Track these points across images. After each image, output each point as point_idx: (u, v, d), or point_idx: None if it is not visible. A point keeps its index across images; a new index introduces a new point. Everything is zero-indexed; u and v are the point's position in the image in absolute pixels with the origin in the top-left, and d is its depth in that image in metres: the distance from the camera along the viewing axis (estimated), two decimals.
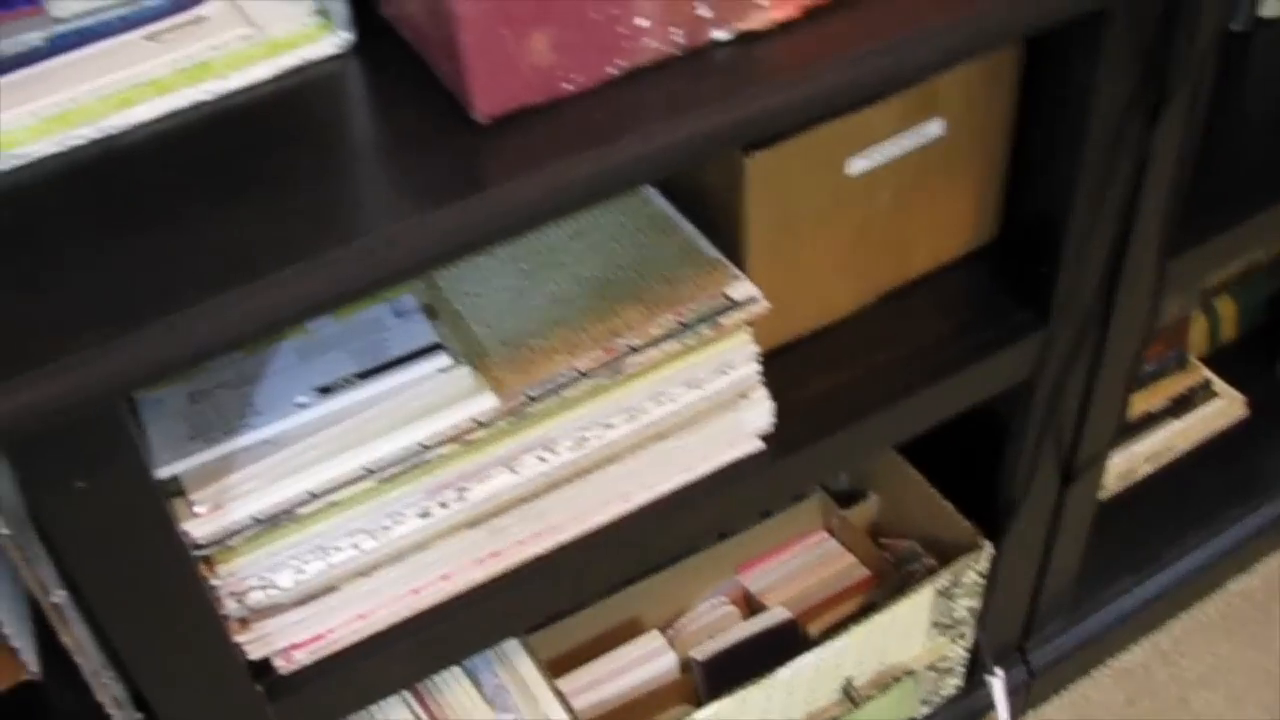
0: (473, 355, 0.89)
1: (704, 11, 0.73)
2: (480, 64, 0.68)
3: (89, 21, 0.81)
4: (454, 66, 0.69)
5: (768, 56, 0.75)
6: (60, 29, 0.80)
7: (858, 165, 0.99)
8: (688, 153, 0.72)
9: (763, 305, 0.93)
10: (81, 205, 0.71)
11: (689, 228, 0.97)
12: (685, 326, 0.91)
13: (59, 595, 0.82)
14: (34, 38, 0.79)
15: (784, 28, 0.76)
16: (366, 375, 0.86)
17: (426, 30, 0.71)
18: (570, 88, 0.71)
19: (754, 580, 1.35)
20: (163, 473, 0.81)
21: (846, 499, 1.36)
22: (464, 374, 0.87)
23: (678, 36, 0.73)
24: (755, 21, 0.75)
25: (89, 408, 0.65)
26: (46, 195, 0.72)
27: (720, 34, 0.74)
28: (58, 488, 0.71)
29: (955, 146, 1.03)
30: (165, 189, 0.72)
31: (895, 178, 1.02)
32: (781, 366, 1.03)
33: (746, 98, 0.73)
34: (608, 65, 0.72)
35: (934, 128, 1.01)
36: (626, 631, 1.28)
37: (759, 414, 1.00)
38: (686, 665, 1.28)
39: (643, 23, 0.71)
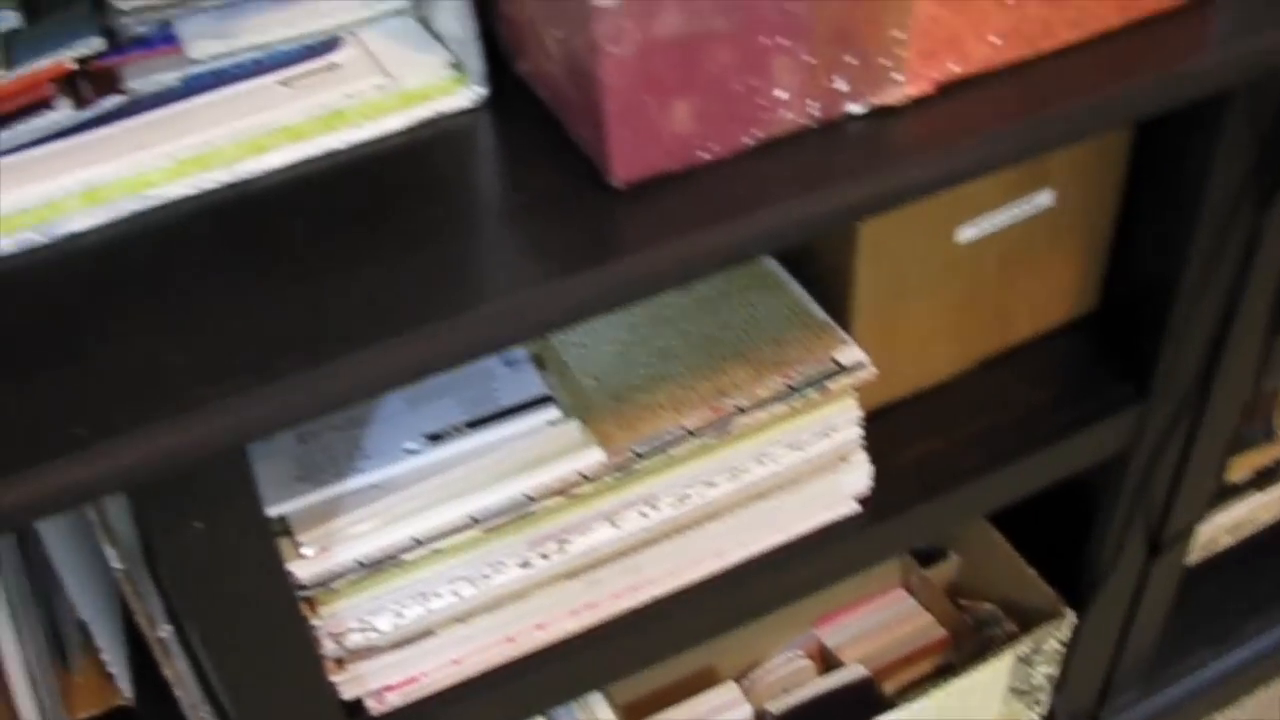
0: (580, 408, 0.89)
1: (841, 85, 0.73)
2: (622, 131, 0.68)
3: (224, 63, 0.81)
4: (593, 131, 0.69)
5: (900, 132, 0.75)
6: (195, 70, 0.81)
7: (967, 233, 0.99)
8: (819, 226, 0.72)
9: (870, 371, 0.93)
10: (216, 251, 0.72)
11: (797, 288, 0.97)
12: (793, 390, 0.91)
13: (165, 630, 0.82)
14: (170, 78, 0.80)
15: (917, 103, 0.76)
16: (476, 424, 0.86)
17: (565, 92, 0.71)
18: (706, 156, 0.72)
19: (830, 635, 1.35)
20: (271, 512, 0.81)
21: (926, 557, 1.36)
22: (573, 428, 0.87)
23: (814, 109, 0.73)
24: (890, 96, 0.75)
25: (217, 457, 0.65)
26: (181, 238, 0.73)
27: (855, 107, 0.74)
28: (176, 528, 0.72)
29: (1063, 216, 1.03)
30: (299, 238, 0.72)
31: (1002, 246, 1.02)
32: (879, 429, 1.02)
33: (879, 174, 0.73)
34: (744, 135, 0.72)
35: (1044, 198, 1.01)
36: (701, 680, 1.28)
37: (857, 477, 1.00)
38: (761, 718, 1.27)
39: (782, 95, 0.71)
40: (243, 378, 0.65)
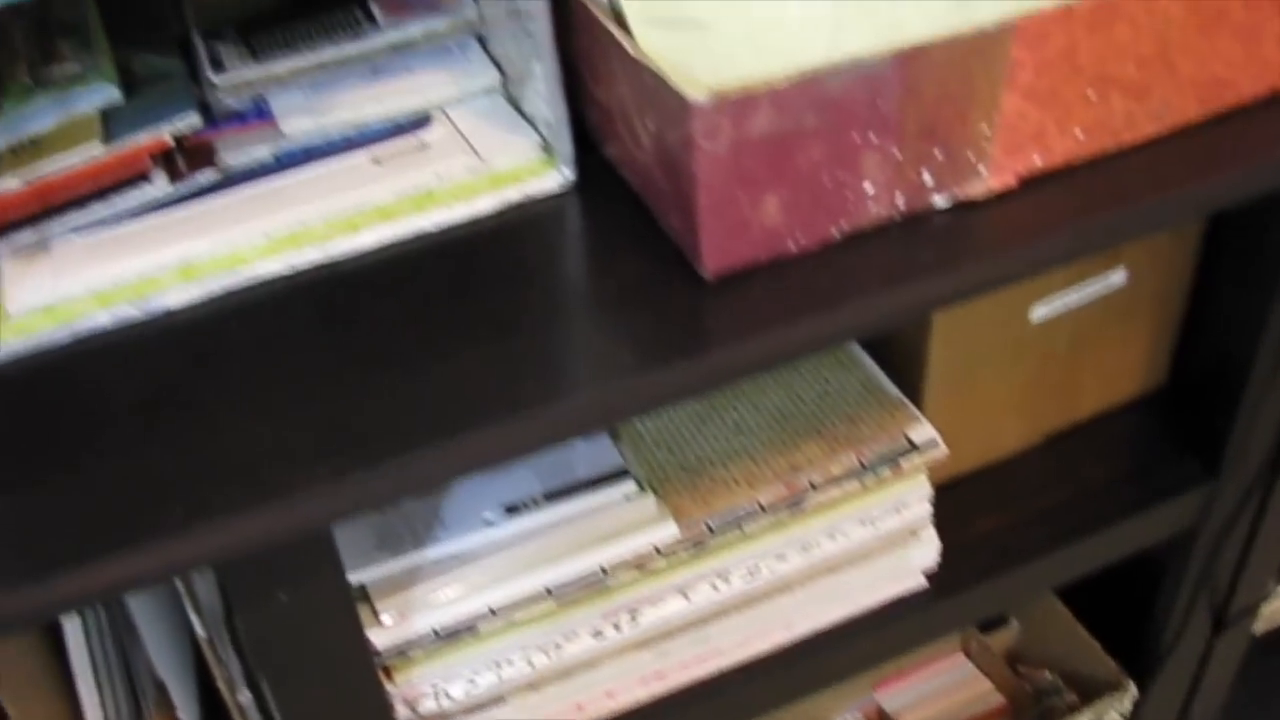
0: (655, 480, 0.90)
1: (926, 179, 0.74)
2: (713, 224, 0.69)
3: (316, 139, 0.83)
4: (684, 222, 0.71)
5: (983, 224, 0.76)
6: (287, 145, 0.82)
7: (1040, 312, 1.00)
8: (902, 319, 0.73)
9: (941, 451, 0.94)
10: (308, 331, 0.74)
11: (870, 364, 0.98)
12: (865, 467, 0.92)
13: (244, 695, 0.83)
14: (263, 152, 0.82)
15: (999, 195, 0.76)
16: (553, 496, 0.87)
17: (656, 181, 0.73)
18: (794, 248, 0.73)
19: (889, 699, 1.35)
20: (352, 580, 0.82)
21: (986, 623, 1.36)
22: (648, 502, 0.88)
23: (899, 202, 0.74)
24: (974, 190, 0.76)
25: (307, 537, 0.67)
26: (274, 316, 0.75)
27: (939, 200, 0.75)
28: (260, 599, 0.73)
29: (1135, 294, 1.03)
30: (389, 321, 0.74)
31: (1074, 323, 1.02)
32: (946, 502, 1.03)
33: (962, 268, 0.74)
34: (831, 227, 0.73)
35: (1116, 277, 1.02)
36: None
37: (926, 552, 1.01)
38: None
39: (869, 189, 0.72)
40: (334, 462, 0.66)
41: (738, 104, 0.66)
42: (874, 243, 0.75)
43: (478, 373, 0.70)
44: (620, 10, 0.72)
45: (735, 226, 0.70)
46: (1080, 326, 1.03)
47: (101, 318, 0.74)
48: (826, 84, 0.68)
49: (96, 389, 0.72)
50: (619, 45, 0.71)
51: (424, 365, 0.71)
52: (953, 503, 1.05)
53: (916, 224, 0.76)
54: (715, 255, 0.71)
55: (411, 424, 0.68)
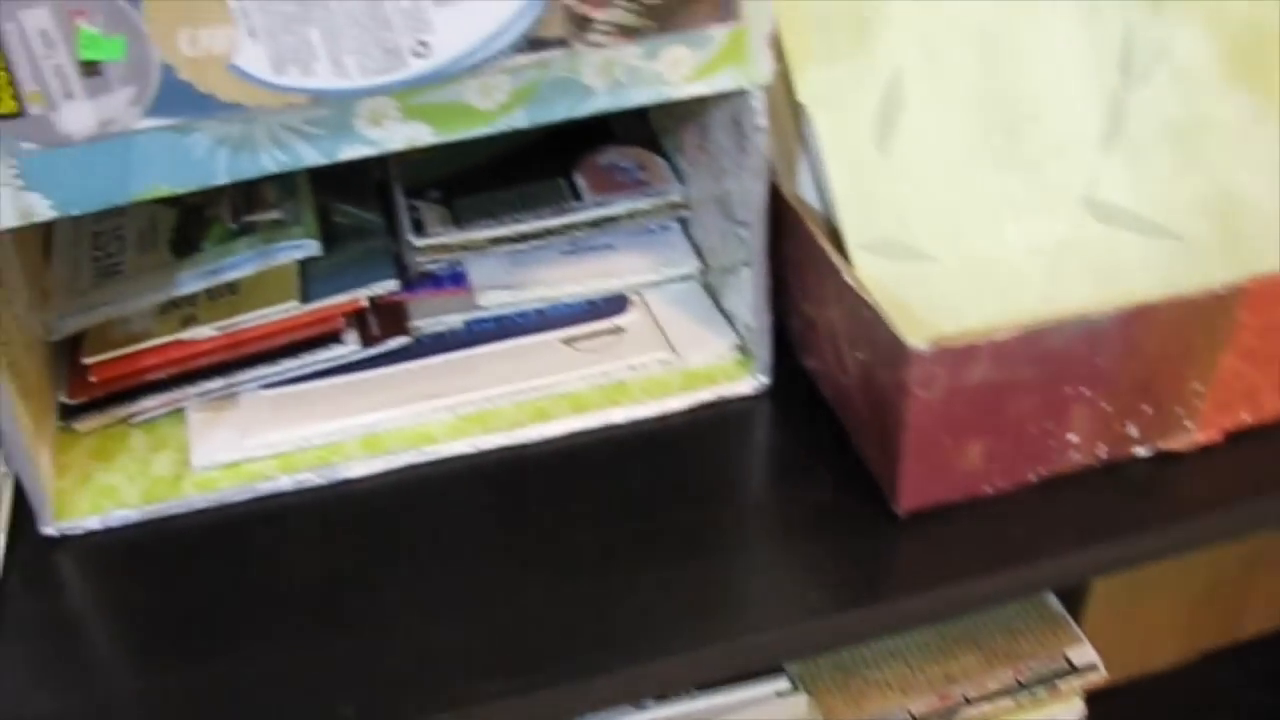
0: (807, 675, 0.88)
1: (1132, 431, 0.72)
2: (914, 466, 0.68)
3: (509, 312, 0.82)
4: (883, 457, 0.70)
5: (1184, 479, 0.74)
6: (480, 315, 0.81)
7: None
8: (1098, 573, 0.70)
9: (1100, 676, 0.91)
10: (488, 522, 0.74)
11: None
12: (1022, 686, 0.90)
13: None
14: (455, 320, 0.82)
15: (1203, 450, 0.74)
16: (705, 686, 0.85)
17: (857, 409, 0.72)
18: (989, 490, 0.71)
19: None
20: None
21: None
22: (799, 701, 0.87)
23: (1101, 451, 0.72)
24: (1178, 443, 0.74)
25: None
26: (454, 501, 0.75)
27: (1141, 451, 0.73)
28: None
29: None
30: (571, 522, 0.73)
31: (1249, 548, 0.99)
32: (1094, 711, 0.99)
33: (1162, 527, 0.71)
34: (1030, 472, 0.71)
35: None
36: None
37: None
38: None
39: (1073, 438, 0.71)
40: (510, 680, 0.65)
41: (958, 354, 0.65)
42: (1070, 488, 0.73)
43: (662, 594, 0.69)
44: (840, 229, 0.71)
45: (935, 469, 0.69)
46: (1252, 548, 0.99)
47: (284, 482, 0.74)
48: (1049, 338, 0.66)
49: (272, 559, 0.72)
50: (835, 270, 0.70)
51: (606, 578, 0.70)
52: (1101, 713, 1.01)
53: (1115, 472, 0.74)
54: (911, 495, 0.69)
55: (589, 646, 0.67)
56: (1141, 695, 1.04)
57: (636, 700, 0.68)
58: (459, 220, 0.83)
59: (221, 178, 0.63)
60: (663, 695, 0.86)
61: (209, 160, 0.63)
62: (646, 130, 0.89)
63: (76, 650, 0.68)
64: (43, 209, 0.61)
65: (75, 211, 0.61)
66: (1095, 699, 1.00)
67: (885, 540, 0.72)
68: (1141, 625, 0.98)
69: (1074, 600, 0.96)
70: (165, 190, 0.62)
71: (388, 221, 0.85)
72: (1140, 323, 0.68)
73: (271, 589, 0.70)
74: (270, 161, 0.63)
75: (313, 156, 0.63)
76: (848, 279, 0.69)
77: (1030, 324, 0.65)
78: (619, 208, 0.84)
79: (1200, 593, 0.99)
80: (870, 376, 0.69)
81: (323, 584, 0.70)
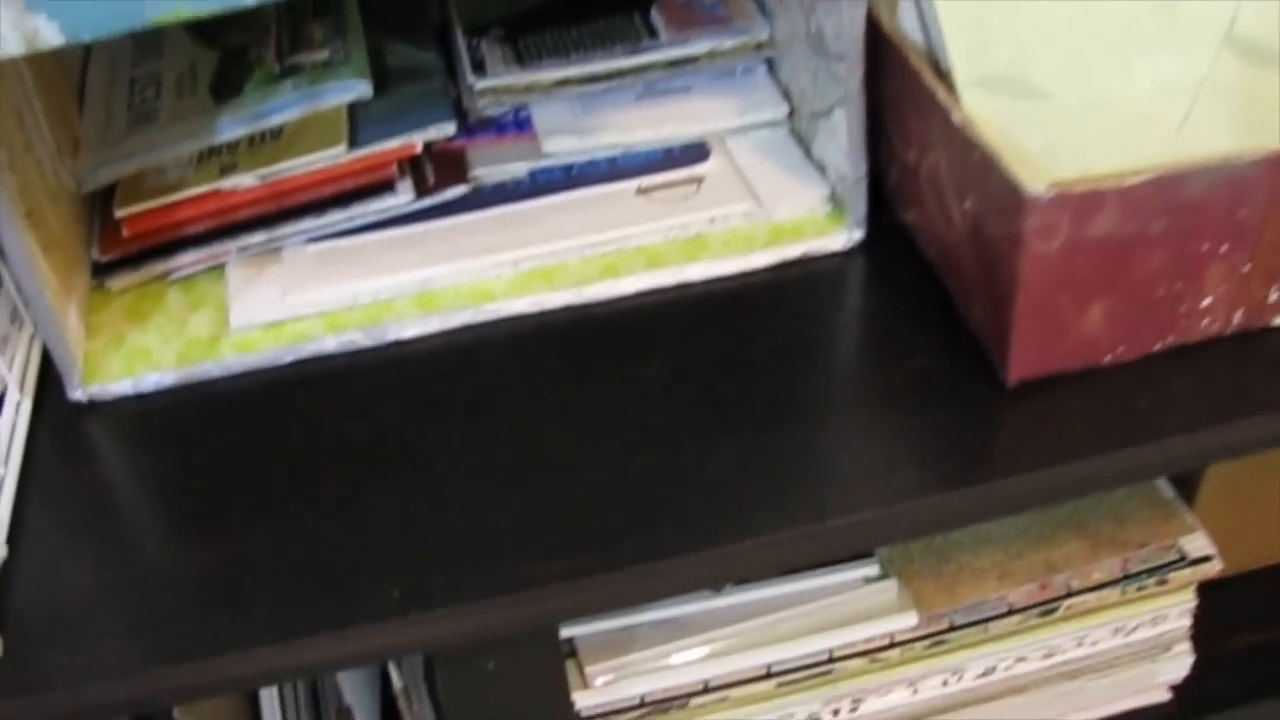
0: (898, 561, 0.82)
1: (1273, 297, 0.64)
2: (1028, 329, 0.60)
3: (578, 160, 0.75)
4: (992, 319, 0.62)
5: None
6: (546, 163, 0.74)
7: None
8: (1227, 454, 0.62)
9: (1215, 567, 0.84)
10: (554, 389, 0.67)
11: None
12: (1129, 576, 0.83)
13: None
14: (519, 169, 0.74)
15: None
16: (788, 570, 0.78)
17: (962, 265, 0.65)
18: (1109, 359, 0.63)
19: None
20: (562, 634, 0.75)
21: None
22: (889, 587, 0.80)
23: (1237, 318, 0.64)
24: None
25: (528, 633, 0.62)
26: (517, 366, 0.69)
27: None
28: (468, 667, 0.67)
29: None
30: (643, 388, 0.67)
31: None
32: (1203, 608, 0.92)
33: None
34: (1156, 341, 0.64)
35: None
36: None
37: (1176, 666, 0.92)
38: None
39: (1206, 303, 0.63)
40: (573, 560, 0.59)
41: (1081, 201, 0.57)
42: (1201, 360, 0.65)
43: (742, 468, 0.62)
44: (948, 66, 0.63)
45: (1051, 333, 0.61)
46: None
47: (328, 343, 0.68)
48: (1187, 185, 0.58)
49: (315, 427, 0.66)
50: (942, 109, 0.62)
51: (681, 450, 0.63)
52: (1210, 610, 0.94)
53: (1248, 343, 0.67)
54: (1022, 363, 0.62)
55: (661, 526, 0.60)
56: (1256, 590, 0.97)
57: (710, 586, 0.61)
58: (523, 60, 0.76)
59: None
60: (740, 581, 0.80)
61: None
62: None
63: (107, 522, 0.63)
64: (50, 34, 0.54)
65: (86, 37, 0.55)
66: (1205, 592, 0.93)
67: (992, 414, 0.64)
68: (1256, 515, 0.91)
69: (1186, 486, 0.89)
70: (187, 13, 0.55)
71: (446, 63, 0.78)
72: None
73: (314, 458, 0.64)
74: None
75: None
76: (956, 118, 0.61)
77: (1165, 168, 0.57)
78: (699, 46, 0.77)
79: None
80: (980, 228, 0.61)
81: (369, 453, 0.64)
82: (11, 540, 0.61)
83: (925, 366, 0.66)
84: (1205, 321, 0.65)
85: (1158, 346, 0.65)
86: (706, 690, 0.80)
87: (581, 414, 0.65)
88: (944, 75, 0.65)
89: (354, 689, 0.85)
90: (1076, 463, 0.62)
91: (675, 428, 0.64)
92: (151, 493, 0.64)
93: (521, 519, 0.61)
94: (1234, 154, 0.59)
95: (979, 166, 0.60)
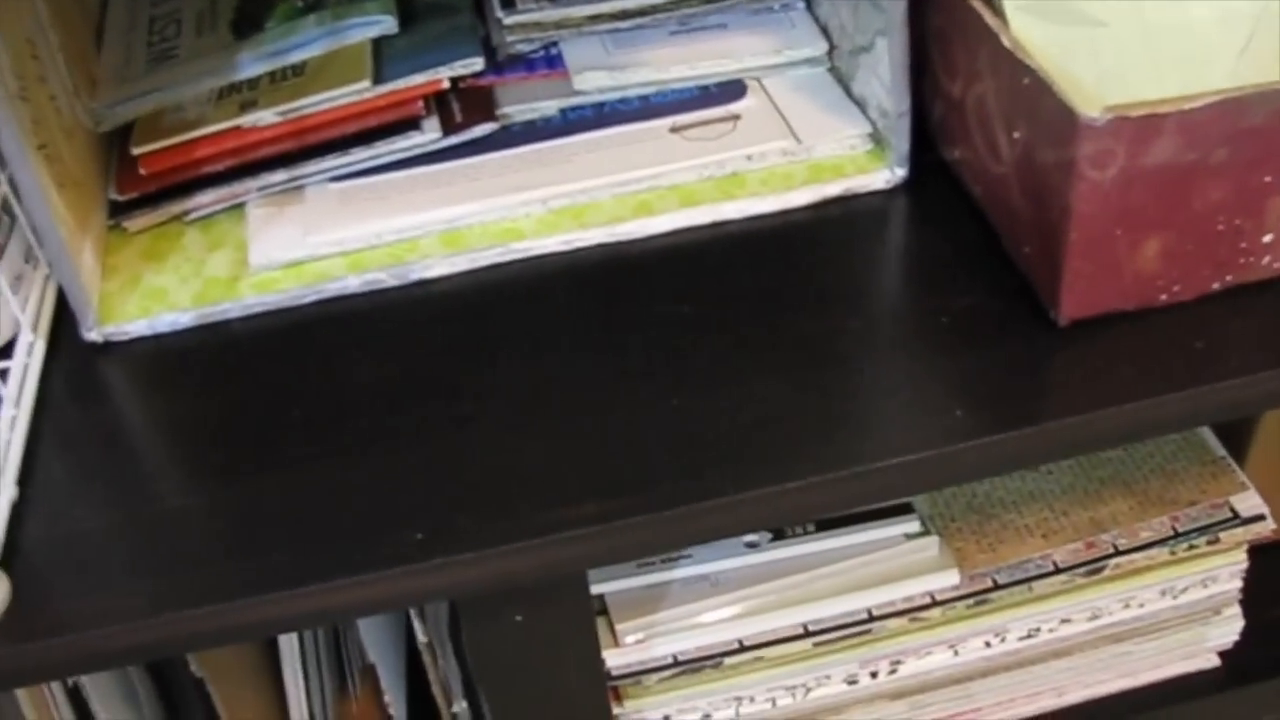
0: (939, 518, 0.80)
1: None
2: (1081, 265, 0.58)
3: (610, 98, 0.73)
4: (1043, 255, 0.60)
5: None
6: (578, 101, 0.72)
7: None
8: None
9: (1268, 526, 0.81)
10: (585, 331, 0.65)
11: None
12: (1179, 535, 0.81)
13: (460, 706, 0.76)
14: (549, 107, 0.73)
15: None
16: (825, 525, 0.76)
17: (1011, 200, 0.63)
18: (1165, 298, 0.61)
19: None
20: (592, 589, 0.73)
21: None
22: (930, 544, 0.78)
23: None
24: None
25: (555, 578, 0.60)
26: (547, 307, 0.66)
27: None
28: (494, 619, 0.65)
29: None
30: (678, 328, 0.64)
31: None
32: (1255, 572, 0.89)
33: None
34: (1214, 280, 0.62)
35: None
36: None
37: (1226, 631, 0.90)
38: None
39: (1268, 239, 0.60)
40: (603, 505, 0.57)
41: (1138, 126, 0.55)
42: (1263, 300, 0.63)
43: (781, 410, 0.60)
44: None
45: (1105, 270, 0.59)
46: None
47: (351, 282, 0.66)
48: (1249, 111, 0.56)
49: (336, 367, 0.64)
50: (991, 34, 0.60)
51: (717, 392, 0.61)
52: (1263, 573, 0.91)
53: None
54: (1075, 301, 0.59)
55: (696, 469, 0.57)
56: None
57: (748, 530, 0.58)
58: None
59: None
60: (779, 533, 0.78)
61: None
62: None
63: (121, 464, 0.61)
64: None
65: None
66: (1256, 555, 0.90)
67: (1043, 354, 0.62)
68: None
69: (1236, 445, 0.86)
70: None
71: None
72: None
73: (335, 399, 0.62)
74: None
75: None
76: (1005, 42, 0.59)
77: (1228, 92, 0.54)
78: None
79: None
80: (1030, 159, 0.59)
81: (392, 394, 0.62)
82: (22, 482, 0.59)
83: (972, 307, 0.63)
84: (1267, 259, 0.63)
85: (1216, 285, 0.63)
86: (741, 649, 0.78)
87: (614, 355, 0.63)
88: (992, 2, 0.62)
89: (377, 647, 0.83)
90: (1130, 406, 0.59)
91: (711, 369, 0.62)
92: (167, 434, 0.62)
93: (552, 461, 0.58)
94: None
95: (1029, 92, 0.58)
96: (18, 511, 0.58)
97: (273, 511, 0.58)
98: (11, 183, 0.60)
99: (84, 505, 0.59)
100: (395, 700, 0.85)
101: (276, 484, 0.59)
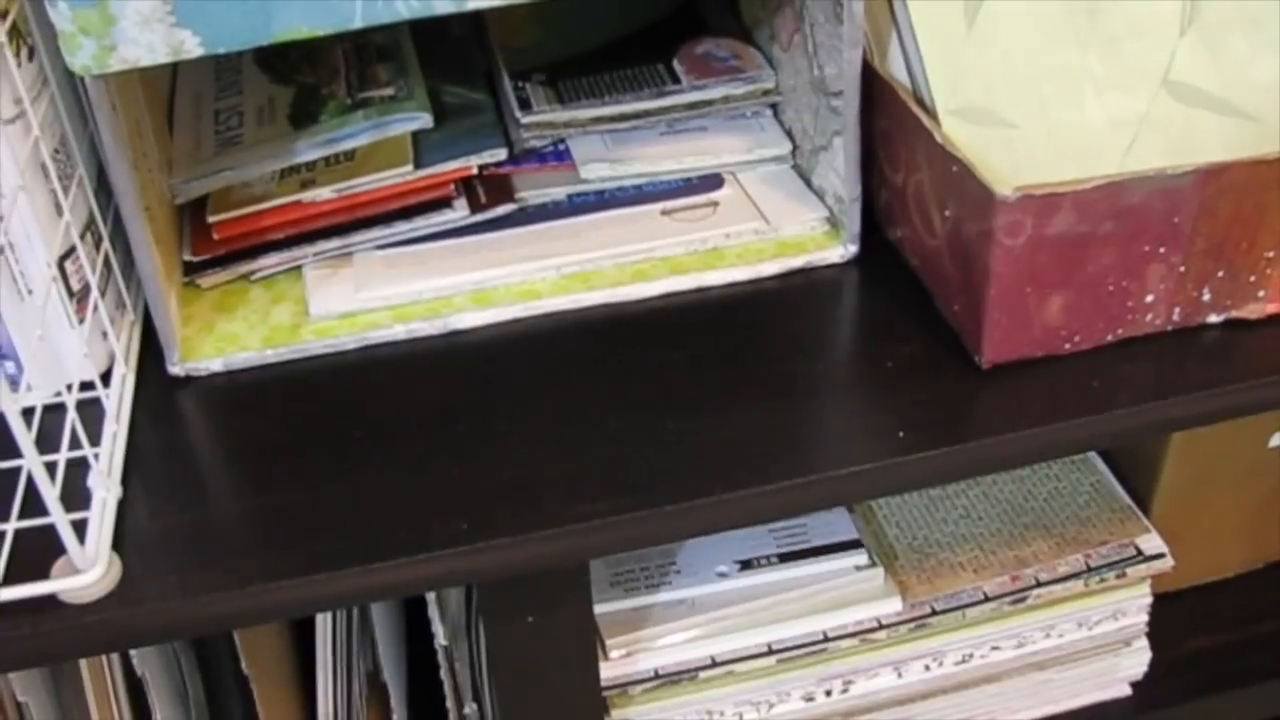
0: (884, 555, 0.92)
1: (1206, 296, 0.75)
2: (998, 317, 0.71)
3: (609, 186, 0.86)
4: (968, 311, 0.73)
5: (1253, 346, 0.77)
6: (583, 188, 0.86)
7: (1278, 440, 1.00)
8: (1163, 429, 0.73)
9: (1168, 563, 0.94)
10: (591, 369, 0.78)
11: (1104, 468, 0.99)
12: (1091, 570, 0.93)
13: (471, 708, 0.86)
14: (559, 192, 0.86)
15: (1271, 319, 0.77)
16: (787, 558, 0.89)
17: (943, 268, 0.76)
18: (1068, 347, 0.74)
19: None
20: None
21: None
22: (877, 574, 0.90)
23: (1175, 315, 0.75)
24: (1249, 311, 0.77)
25: (571, 565, 0.72)
26: (560, 351, 0.79)
27: (1213, 317, 0.77)
28: (511, 619, 0.76)
29: None
30: (667, 369, 0.77)
31: None
32: (1160, 615, 1.02)
33: (1230, 387, 0.74)
34: (1108, 332, 0.75)
35: None
36: None
37: (1135, 662, 1.01)
38: None
39: (1150, 299, 0.73)
40: (610, 501, 0.69)
41: (1042, 203, 0.68)
42: (1145, 351, 0.76)
43: (757, 432, 0.72)
44: (930, 100, 0.75)
45: (1018, 322, 0.72)
46: None
47: (397, 330, 0.78)
48: (1128, 192, 0.70)
49: (388, 397, 0.76)
50: (927, 133, 0.73)
51: (704, 418, 0.73)
52: (1167, 616, 1.04)
53: (1187, 338, 0.77)
54: (995, 347, 0.73)
55: (689, 475, 0.70)
56: (1208, 600, 1.07)
57: (731, 527, 0.71)
58: (564, 100, 0.87)
59: (357, 21, 0.67)
60: (747, 564, 0.90)
61: (346, 3, 0.66)
62: (739, 26, 0.93)
63: (201, 474, 0.72)
64: (192, 45, 0.66)
65: (221, 49, 0.66)
66: (1162, 601, 1.03)
67: (969, 390, 0.75)
68: (1206, 529, 1.02)
69: (1141, 497, 0.99)
70: (305, 31, 0.66)
71: (494, 103, 0.89)
72: (1216, 183, 0.71)
73: (385, 422, 0.74)
74: (404, 8, 0.67)
75: (445, 6, 0.67)
76: (938, 138, 0.72)
77: (1111, 177, 0.69)
78: (715, 92, 0.88)
79: (1264, 500, 1.03)
80: (958, 232, 0.73)
81: (435, 418, 0.74)
82: (123, 484, 0.71)
83: (911, 354, 0.77)
84: (1149, 316, 0.76)
85: (1110, 337, 0.76)
86: (713, 665, 0.89)
87: (617, 389, 0.76)
88: (927, 108, 0.77)
89: (390, 664, 0.93)
90: (1038, 430, 0.72)
91: (698, 400, 0.75)
92: (242, 450, 0.73)
93: (571, 468, 0.71)
94: (1170, 166, 0.70)
95: (957, 178, 0.72)
96: (121, 508, 0.70)
97: (334, 511, 0.69)
98: (122, 238, 0.73)
99: (175, 504, 0.70)
100: (398, 708, 0.95)
101: (344, 488, 0.70)
